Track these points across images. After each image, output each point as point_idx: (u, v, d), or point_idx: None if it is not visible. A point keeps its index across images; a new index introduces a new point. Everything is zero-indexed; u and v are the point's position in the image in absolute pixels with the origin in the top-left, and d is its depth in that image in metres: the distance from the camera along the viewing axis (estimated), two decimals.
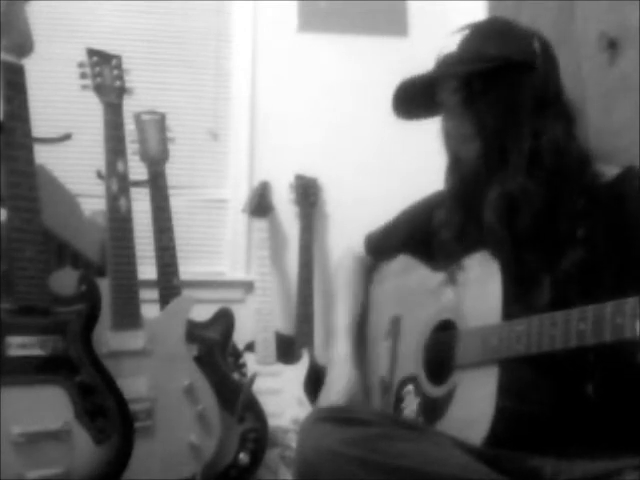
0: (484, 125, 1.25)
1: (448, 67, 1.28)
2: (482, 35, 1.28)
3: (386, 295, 1.54)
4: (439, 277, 1.36)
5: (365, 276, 1.60)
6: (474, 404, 1.15)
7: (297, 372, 2.41)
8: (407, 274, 1.49)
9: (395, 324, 1.45)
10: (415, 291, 1.44)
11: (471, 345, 1.20)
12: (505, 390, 1.11)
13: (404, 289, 1.48)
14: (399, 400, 1.36)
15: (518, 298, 1.17)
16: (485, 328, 1.18)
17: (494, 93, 1.24)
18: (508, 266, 1.19)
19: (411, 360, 1.37)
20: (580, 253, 1.16)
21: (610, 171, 1.23)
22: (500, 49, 1.25)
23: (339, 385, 1.39)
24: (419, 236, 1.47)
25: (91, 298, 1.64)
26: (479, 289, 1.23)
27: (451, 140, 1.33)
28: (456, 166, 1.34)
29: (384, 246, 1.58)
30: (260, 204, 2.57)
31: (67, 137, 2.02)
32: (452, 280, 1.31)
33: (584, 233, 1.17)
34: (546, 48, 1.27)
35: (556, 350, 1.04)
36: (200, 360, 1.97)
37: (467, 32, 1.29)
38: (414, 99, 1.35)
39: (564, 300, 1.11)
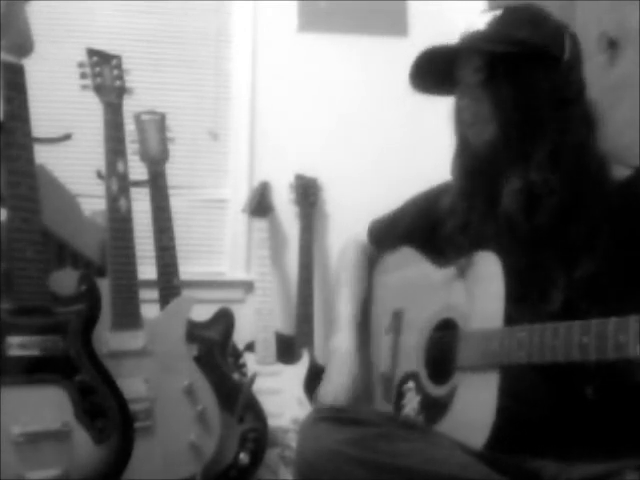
0: (503, 109, 1.21)
1: (475, 42, 1.24)
2: (514, 18, 1.24)
3: (388, 288, 1.54)
4: (442, 273, 1.35)
5: (367, 266, 1.58)
6: (475, 407, 1.15)
7: (297, 372, 2.41)
8: (410, 267, 1.48)
9: (397, 318, 1.44)
10: (418, 286, 1.43)
11: (472, 348, 1.19)
12: (506, 393, 1.10)
13: (407, 283, 1.47)
14: (400, 396, 1.36)
15: (524, 300, 1.15)
16: (486, 332, 1.17)
17: (517, 78, 1.20)
18: (517, 264, 1.17)
19: (412, 357, 1.36)
20: (596, 262, 1.12)
21: (619, 171, 1.21)
22: (531, 35, 1.21)
23: (341, 381, 1.38)
24: (424, 227, 1.45)
25: (91, 298, 1.64)
26: (482, 290, 1.23)
27: (463, 120, 1.28)
28: (464, 150, 1.30)
29: (388, 235, 1.55)
30: (260, 204, 2.57)
31: (67, 137, 2.01)
32: (455, 278, 1.31)
33: (605, 238, 1.13)
34: (575, 45, 1.24)
35: (558, 362, 1.02)
36: (200, 360, 1.96)
37: (499, 13, 1.25)
38: (432, 71, 1.30)
39: (575, 308, 1.10)
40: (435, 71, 1.29)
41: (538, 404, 1.12)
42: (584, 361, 1.00)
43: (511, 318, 1.14)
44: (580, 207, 1.17)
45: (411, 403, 1.32)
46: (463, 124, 1.29)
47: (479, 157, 1.26)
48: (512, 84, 1.20)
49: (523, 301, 1.15)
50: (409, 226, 1.50)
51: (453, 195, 1.34)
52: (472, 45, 1.25)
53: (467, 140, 1.29)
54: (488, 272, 1.21)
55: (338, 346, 1.45)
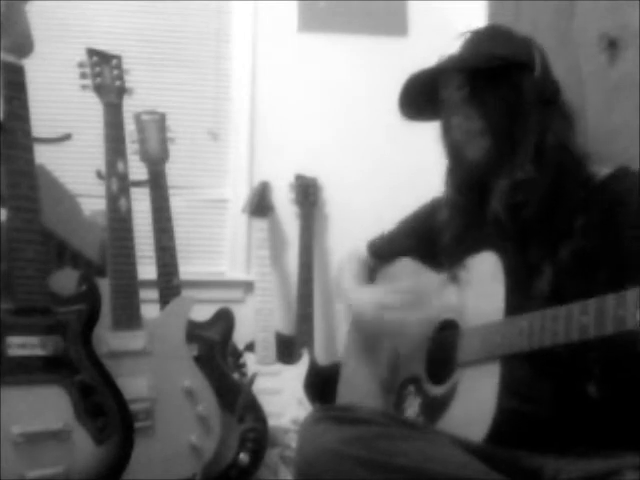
0: (492, 121, 1.27)
1: (455, 62, 1.31)
2: (485, 37, 1.34)
3: None
4: (441, 277, 1.36)
5: (367, 276, 1.60)
6: (475, 402, 1.15)
7: (297, 372, 2.41)
8: (409, 276, 1.49)
9: None
10: (418, 293, 1.44)
11: (473, 342, 1.20)
12: (506, 388, 1.11)
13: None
14: (401, 401, 1.37)
15: (520, 291, 1.18)
16: (487, 325, 1.18)
17: (499, 89, 1.27)
18: (510, 259, 1.21)
19: (413, 361, 1.37)
20: (578, 242, 1.19)
21: (603, 171, 1.26)
22: (504, 49, 1.29)
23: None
24: (423, 241, 1.49)
25: (91, 298, 1.64)
26: (481, 289, 1.24)
27: (456, 138, 1.34)
28: (460, 165, 1.34)
29: (388, 252, 1.59)
30: (260, 204, 2.57)
31: (67, 137, 2.02)
32: (454, 280, 1.32)
33: (582, 223, 1.20)
34: (542, 53, 1.31)
35: (559, 345, 1.04)
36: (200, 360, 1.96)
37: (469, 35, 1.33)
38: (419, 99, 1.37)
39: (563, 289, 1.14)
40: (421, 96, 1.36)
41: (539, 400, 1.12)
42: (583, 353, 1.01)
43: (510, 312, 1.16)
44: (561, 198, 1.23)
45: (412, 406, 1.33)
46: (457, 142, 1.34)
47: (476, 169, 1.31)
48: (495, 95, 1.27)
49: (517, 292, 1.18)
50: (407, 242, 1.55)
51: (447, 209, 1.39)
52: (454, 64, 1.31)
53: (462, 156, 1.33)
54: (487, 270, 1.22)
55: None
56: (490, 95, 1.27)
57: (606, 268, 1.16)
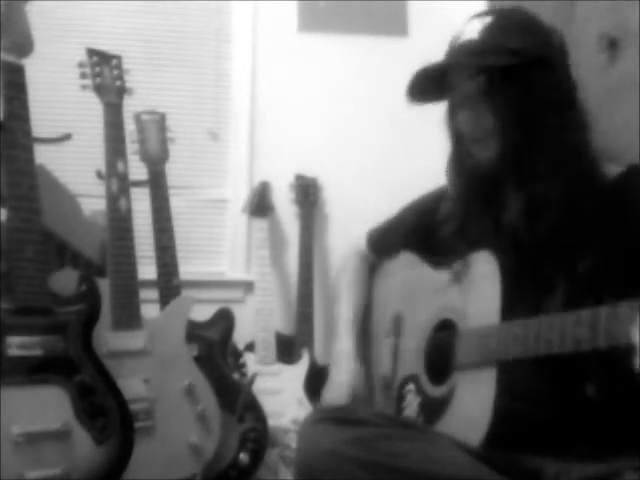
0: (505, 121, 1.19)
1: (470, 56, 1.22)
2: (504, 25, 1.22)
3: (388, 292, 1.54)
4: (440, 275, 1.35)
5: (367, 274, 1.59)
6: (473, 405, 1.15)
7: (297, 372, 2.41)
8: (409, 271, 1.49)
9: (397, 322, 1.45)
10: (417, 289, 1.43)
11: (470, 346, 1.20)
12: (504, 391, 1.11)
13: (406, 287, 1.48)
14: (400, 399, 1.37)
15: (522, 302, 1.15)
16: (483, 329, 1.17)
17: (515, 88, 1.18)
18: (516, 267, 1.17)
19: (412, 359, 1.37)
20: (593, 256, 1.12)
21: (612, 170, 1.21)
22: (522, 43, 1.19)
23: (343, 381, 1.40)
24: (422, 232, 1.46)
25: (91, 298, 1.64)
26: (479, 289, 1.23)
27: (463, 133, 1.26)
28: (465, 161, 1.28)
29: (386, 242, 1.57)
30: (260, 204, 2.57)
31: (67, 137, 2.02)
32: (453, 279, 1.31)
33: (596, 233, 1.14)
34: (564, 47, 1.23)
35: (553, 354, 1.03)
36: (200, 360, 1.96)
37: (488, 20, 1.22)
38: (428, 83, 1.27)
39: (577, 306, 1.08)
40: (430, 81, 1.27)
41: (537, 402, 1.12)
42: (581, 354, 1.00)
43: (508, 316, 1.14)
44: (577, 208, 1.17)
45: (411, 405, 1.33)
46: (464, 137, 1.26)
47: (482, 171, 1.24)
48: (509, 95, 1.18)
49: (521, 302, 1.15)
50: (407, 232, 1.51)
51: (451, 200, 1.34)
52: (466, 60, 1.23)
53: (468, 153, 1.26)
54: (484, 271, 1.21)
55: (339, 349, 1.47)
56: (503, 92, 1.18)
57: (623, 276, 1.09)
